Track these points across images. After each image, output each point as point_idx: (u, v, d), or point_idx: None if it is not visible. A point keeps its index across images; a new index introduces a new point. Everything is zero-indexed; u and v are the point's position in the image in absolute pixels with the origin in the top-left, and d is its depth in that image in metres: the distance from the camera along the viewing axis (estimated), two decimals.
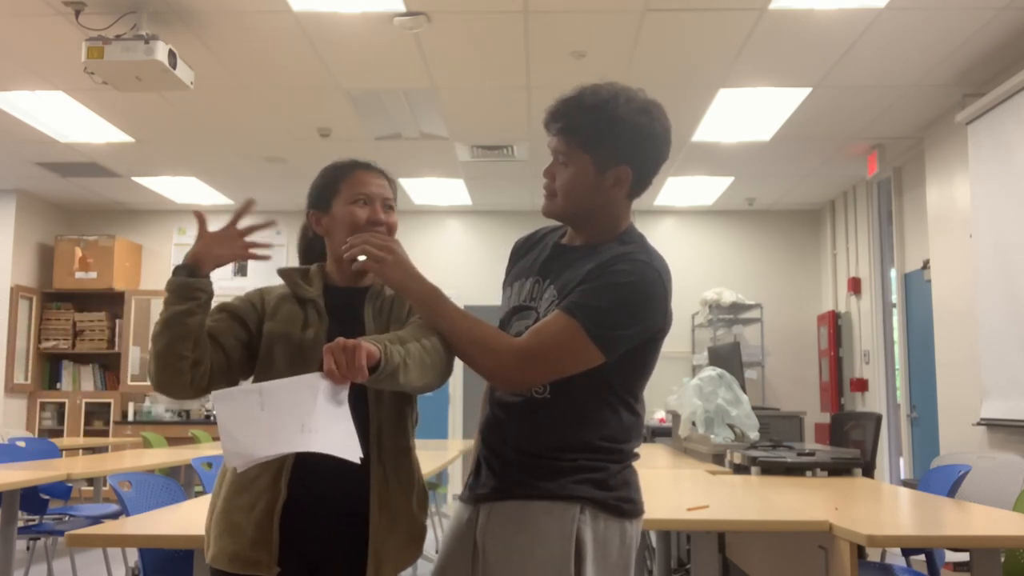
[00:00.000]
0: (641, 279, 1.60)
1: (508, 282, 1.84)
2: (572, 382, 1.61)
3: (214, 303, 1.72)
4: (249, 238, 1.70)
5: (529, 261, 1.80)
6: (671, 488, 3.09)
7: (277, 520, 1.64)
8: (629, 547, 1.65)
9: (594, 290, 1.58)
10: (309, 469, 1.67)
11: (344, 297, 1.83)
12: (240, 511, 1.65)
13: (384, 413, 1.74)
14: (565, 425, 1.63)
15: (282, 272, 1.86)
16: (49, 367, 8.92)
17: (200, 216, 1.68)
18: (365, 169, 1.85)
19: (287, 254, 9.13)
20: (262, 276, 9.08)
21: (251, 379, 1.77)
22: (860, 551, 2.71)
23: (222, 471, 1.76)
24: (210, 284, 1.67)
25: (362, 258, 1.65)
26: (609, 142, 1.63)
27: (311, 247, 1.94)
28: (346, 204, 1.80)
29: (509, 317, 1.76)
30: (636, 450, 1.71)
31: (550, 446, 1.63)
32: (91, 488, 7.44)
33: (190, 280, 1.64)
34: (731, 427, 4.33)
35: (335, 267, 1.86)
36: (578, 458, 1.63)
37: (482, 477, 1.72)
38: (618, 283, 1.58)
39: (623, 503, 1.65)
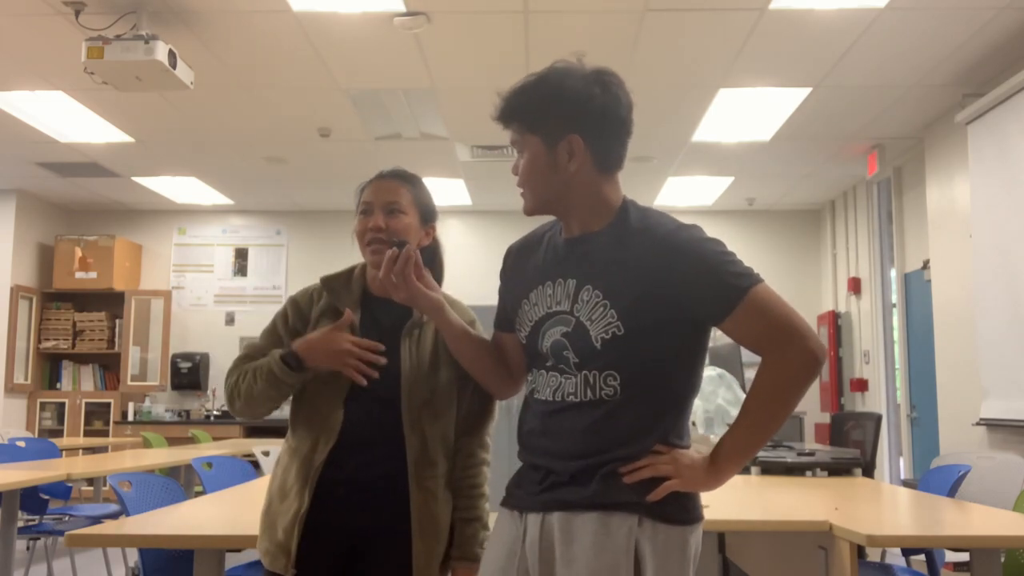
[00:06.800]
0: (701, 234, 1.60)
1: (522, 290, 1.71)
2: (642, 381, 1.57)
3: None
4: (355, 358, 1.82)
5: (536, 263, 1.71)
6: None
7: (300, 526, 1.80)
8: (690, 557, 1.56)
9: (717, 256, 1.56)
10: (337, 480, 1.83)
11: (381, 314, 1.92)
12: (280, 514, 1.85)
13: (420, 446, 1.87)
14: (628, 429, 1.56)
15: (325, 282, 1.97)
16: (49, 367, 8.92)
17: (349, 318, 1.85)
18: (376, 179, 1.95)
19: (287, 254, 9.13)
20: (262, 276, 9.08)
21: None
22: (860, 551, 2.71)
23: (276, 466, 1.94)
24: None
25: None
26: (551, 115, 1.60)
27: None
28: (357, 216, 1.93)
29: (540, 324, 1.66)
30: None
31: (610, 452, 1.56)
32: (91, 488, 7.44)
33: (300, 375, 1.84)
34: None
35: (372, 275, 1.96)
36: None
37: (529, 483, 1.65)
38: (704, 240, 1.58)
39: (680, 511, 1.57)
